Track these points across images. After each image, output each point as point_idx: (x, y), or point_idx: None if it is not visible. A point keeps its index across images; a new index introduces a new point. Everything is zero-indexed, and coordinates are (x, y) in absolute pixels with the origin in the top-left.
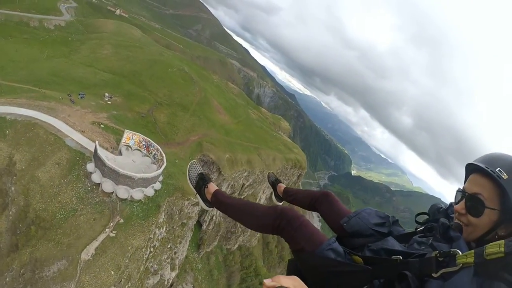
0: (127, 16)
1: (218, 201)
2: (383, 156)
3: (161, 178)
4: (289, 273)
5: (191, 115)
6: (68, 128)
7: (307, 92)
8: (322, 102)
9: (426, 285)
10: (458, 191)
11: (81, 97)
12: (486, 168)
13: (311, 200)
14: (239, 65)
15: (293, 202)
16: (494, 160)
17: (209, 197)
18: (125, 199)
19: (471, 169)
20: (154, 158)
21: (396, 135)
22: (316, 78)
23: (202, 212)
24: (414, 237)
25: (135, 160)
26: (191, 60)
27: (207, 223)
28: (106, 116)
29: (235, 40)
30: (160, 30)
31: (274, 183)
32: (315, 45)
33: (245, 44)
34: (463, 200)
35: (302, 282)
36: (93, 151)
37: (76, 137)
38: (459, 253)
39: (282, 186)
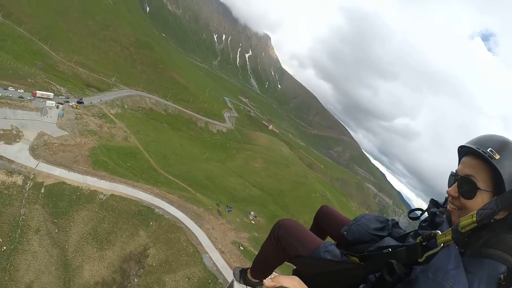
0: (277, 131)
1: (256, 272)
2: None
3: None
4: None
5: None
6: (209, 243)
7: None
8: None
9: (412, 272)
10: (451, 175)
11: (228, 211)
12: (477, 149)
13: (316, 226)
14: (375, 190)
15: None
16: (486, 141)
17: (254, 278)
18: None
19: (463, 151)
20: None
21: None
22: None
23: None
24: (410, 234)
25: None
26: (331, 182)
27: None
28: (247, 237)
29: (373, 164)
30: (304, 148)
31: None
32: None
33: (382, 168)
34: (456, 183)
35: (302, 282)
36: (228, 281)
37: (215, 257)
38: (438, 233)
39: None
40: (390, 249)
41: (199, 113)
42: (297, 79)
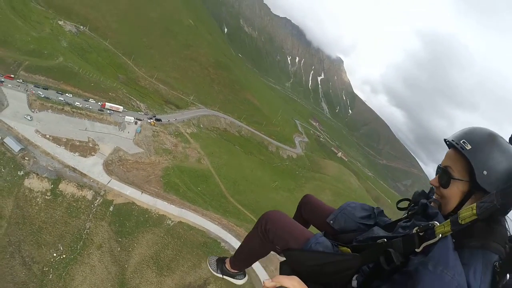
0: (346, 160)
1: (237, 262)
2: None
3: None
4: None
5: None
6: None
7: None
8: None
9: (409, 263)
10: (437, 167)
11: None
12: (452, 141)
13: (301, 217)
14: None
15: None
16: (464, 133)
17: (232, 268)
18: None
19: (447, 145)
20: None
21: None
22: None
23: None
24: (398, 223)
25: None
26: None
27: None
28: None
29: None
30: (372, 179)
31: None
32: None
33: None
34: (438, 174)
35: (302, 282)
36: None
37: None
38: (437, 224)
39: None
40: (385, 239)
41: (271, 137)
42: (368, 105)
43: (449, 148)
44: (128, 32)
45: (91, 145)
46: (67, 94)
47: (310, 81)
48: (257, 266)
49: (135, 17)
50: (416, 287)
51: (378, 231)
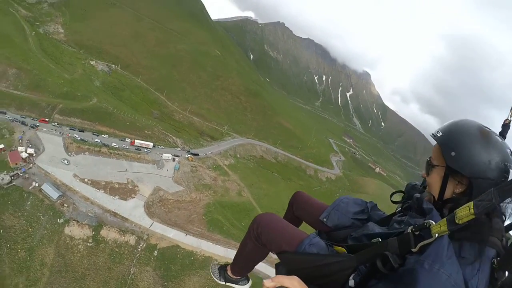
0: (385, 175)
1: (237, 269)
2: None
3: None
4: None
5: None
6: None
7: None
8: None
9: (405, 262)
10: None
11: None
12: (431, 134)
13: (292, 214)
14: None
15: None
16: (443, 125)
17: (234, 275)
18: None
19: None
20: None
21: None
22: None
23: None
24: (393, 218)
25: None
26: None
27: None
28: None
29: None
30: None
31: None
32: None
33: None
34: None
35: (302, 282)
36: None
37: None
38: (432, 224)
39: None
40: (380, 239)
41: (308, 160)
42: (401, 116)
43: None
44: (159, 67)
45: (130, 187)
46: (103, 135)
47: (339, 98)
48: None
49: (164, 52)
50: (413, 286)
51: (373, 227)
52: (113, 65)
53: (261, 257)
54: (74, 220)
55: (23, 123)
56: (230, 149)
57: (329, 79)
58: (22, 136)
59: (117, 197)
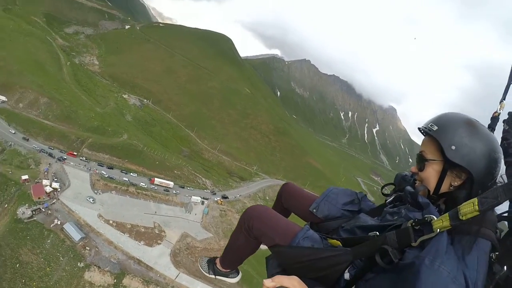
0: None
1: (227, 262)
2: None
3: None
4: (270, 270)
5: None
6: None
7: None
8: None
9: (404, 256)
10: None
11: None
12: (423, 128)
13: (281, 206)
14: None
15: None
16: (432, 118)
17: (224, 268)
18: None
19: (421, 133)
20: None
21: None
22: None
23: None
24: (385, 209)
25: None
26: None
27: None
28: None
29: None
30: None
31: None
32: None
33: None
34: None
35: (302, 281)
36: None
37: None
38: (434, 219)
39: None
40: (377, 233)
41: None
42: None
43: (424, 136)
44: (189, 103)
45: (157, 232)
46: (131, 174)
47: (365, 134)
48: None
49: (195, 89)
50: (414, 282)
51: (365, 218)
52: (145, 100)
53: (252, 250)
54: (95, 265)
55: (50, 154)
56: (259, 191)
57: (355, 115)
58: (48, 168)
59: (142, 242)
